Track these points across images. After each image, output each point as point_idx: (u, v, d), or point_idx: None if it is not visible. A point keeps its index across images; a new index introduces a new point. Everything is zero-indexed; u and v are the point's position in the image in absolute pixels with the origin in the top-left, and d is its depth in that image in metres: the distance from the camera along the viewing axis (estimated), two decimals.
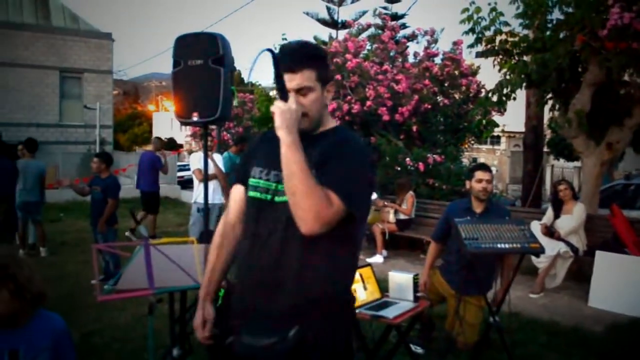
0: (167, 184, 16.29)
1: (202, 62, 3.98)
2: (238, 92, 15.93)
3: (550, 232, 6.21)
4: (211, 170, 6.74)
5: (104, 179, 6.23)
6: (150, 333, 2.51)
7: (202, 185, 5.01)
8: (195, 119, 3.99)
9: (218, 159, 7.05)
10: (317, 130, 1.88)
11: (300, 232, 1.65)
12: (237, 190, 2.00)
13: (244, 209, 1.95)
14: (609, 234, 6.32)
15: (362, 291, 3.40)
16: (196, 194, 6.79)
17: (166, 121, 42.84)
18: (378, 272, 4.05)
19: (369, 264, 3.71)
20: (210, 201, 6.59)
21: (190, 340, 3.16)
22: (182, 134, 25.09)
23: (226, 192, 7.16)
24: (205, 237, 4.10)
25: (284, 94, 1.81)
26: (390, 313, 3.24)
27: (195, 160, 6.86)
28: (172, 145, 31.17)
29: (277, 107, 1.74)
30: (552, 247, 5.97)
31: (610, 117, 6.99)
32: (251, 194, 1.88)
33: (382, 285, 3.67)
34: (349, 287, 1.88)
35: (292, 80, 1.79)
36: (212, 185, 6.83)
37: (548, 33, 6.69)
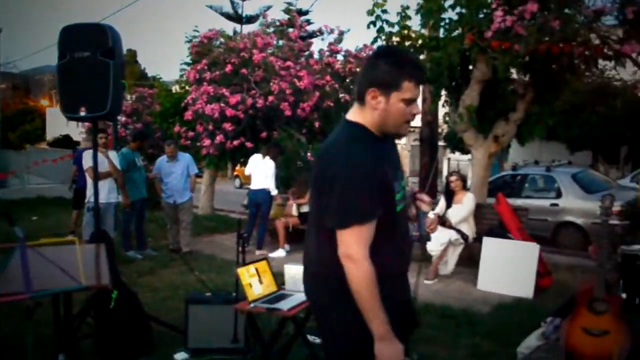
0: (61, 183, 15.41)
1: (89, 54, 3.81)
2: (138, 86, 15.35)
3: (442, 221, 6.55)
4: (106, 168, 6.47)
5: None
6: (29, 340, 2.38)
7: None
8: (82, 114, 3.83)
9: (113, 156, 6.76)
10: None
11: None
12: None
13: None
14: (496, 221, 6.78)
15: (258, 285, 3.41)
16: (90, 193, 6.47)
17: (60, 117, 40.25)
18: (279, 266, 4.09)
19: (265, 258, 3.74)
20: (105, 200, 6.36)
21: (78, 345, 3.04)
22: (78, 131, 23.72)
23: (123, 190, 6.90)
24: (96, 237, 3.94)
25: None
26: (285, 305, 3.28)
27: (89, 158, 6.54)
28: (67, 143, 29.48)
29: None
30: (444, 235, 6.32)
31: (497, 112, 7.46)
32: (401, 207, 2.06)
33: (282, 278, 3.70)
34: None
35: (418, 90, 2.00)
36: (107, 183, 6.56)
37: (442, 32, 7.03)
